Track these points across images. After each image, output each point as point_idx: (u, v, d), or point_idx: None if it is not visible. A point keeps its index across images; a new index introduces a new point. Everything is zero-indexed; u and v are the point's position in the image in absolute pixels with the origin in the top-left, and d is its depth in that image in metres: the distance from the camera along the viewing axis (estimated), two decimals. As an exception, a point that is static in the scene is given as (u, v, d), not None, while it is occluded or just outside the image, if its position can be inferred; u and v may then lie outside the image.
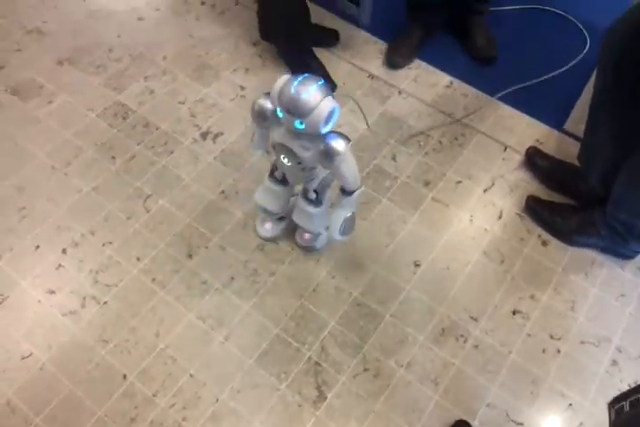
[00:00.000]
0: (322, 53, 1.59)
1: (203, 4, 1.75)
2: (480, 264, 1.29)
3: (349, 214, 1.05)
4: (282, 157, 0.98)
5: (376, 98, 1.55)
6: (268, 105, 0.93)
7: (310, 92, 0.83)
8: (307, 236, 1.27)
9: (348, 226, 1.08)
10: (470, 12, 1.62)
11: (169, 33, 1.68)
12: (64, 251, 1.27)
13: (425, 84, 1.57)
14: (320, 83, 0.84)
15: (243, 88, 1.56)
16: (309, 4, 1.48)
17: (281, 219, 1.30)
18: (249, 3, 1.73)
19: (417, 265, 1.29)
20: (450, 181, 1.41)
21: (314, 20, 1.55)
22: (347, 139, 0.91)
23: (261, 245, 1.30)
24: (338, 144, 0.90)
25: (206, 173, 1.41)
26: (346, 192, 1.00)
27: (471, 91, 1.56)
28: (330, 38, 1.62)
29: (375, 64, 1.61)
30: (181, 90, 1.56)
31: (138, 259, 1.27)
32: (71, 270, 1.25)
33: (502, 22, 1.68)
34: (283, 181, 1.13)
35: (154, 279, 1.24)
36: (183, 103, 1.53)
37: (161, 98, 1.54)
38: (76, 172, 1.39)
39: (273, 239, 1.30)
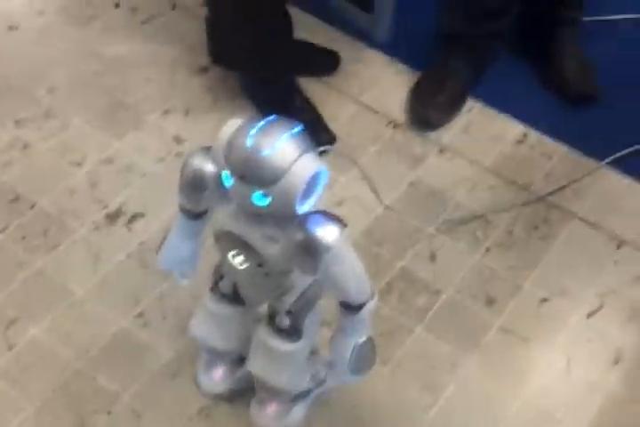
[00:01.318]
0: (312, 86, 1.71)
1: (116, 6, 1.90)
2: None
3: (362, 340, 1.08)
4: (231, 255, 1.02)
5: (402, 159, 1.65)
6: (208, 167, 0.98)
7: (277, 145, 0.87)
8: (271, 407, 1.28)
9: (364, 358, 1.10)
10: (555, 21, 1.76)
11: (59, 51, 1.79)
12: None
13: (482, 138, 1.68)
14: (295, 130, 0.89)
15: (179, 140, 1.66)
16: (292, 11, 1.62)
17: (242, 360, 1.29)
18: (193, 5, 1.89)
19: (478, 446, 1.32)
20: (529, 298, 1.47)
21: (301, 35, 1.68)
22: (339, 222, 0.95)
23: (206, 407, 1.31)
24: (326, 232, 0.94)
25: (113, 282, 1.44)
26: (350, 307, 1.04)
27: (559, 149, 1.67)
28: (325, 63, 1.76)
29: (399, 103, 1.73)
30: (76, 143, 1.64)
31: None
32: None
33: (604, 38, 1.84)
34: (234, 298, 1.16)
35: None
36: (79, 165, 1.61)
37: (41, 156, 1.61)
38: None
39: (226, 397, 1.32)
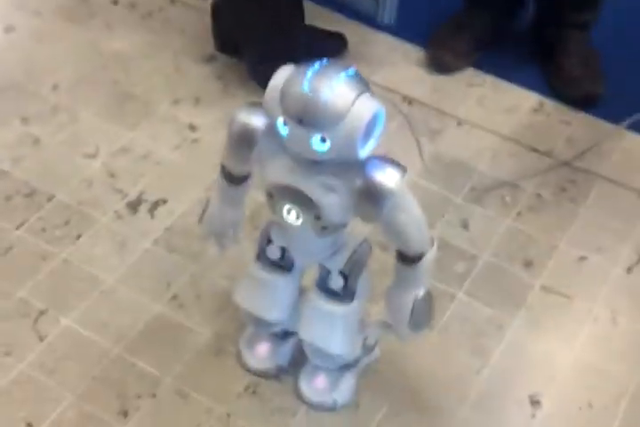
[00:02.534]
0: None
1: (115, 3, 1.92)
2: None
3: (422, 294, 1.08)
4: (285, 210, 1.02)
5: (421, 133, 1.66)
6: (256, 122, 0.98)
7: (335, 87, 0.87)
8: (320, 380, 1.29)
9: (424, 313, 1.10)
10: (561, 23, 1.80)
11: (60, 49, 1.80)
12: None
13: (498, 109, 1.72)
14: (350, 72, 0.90)
15: (193, 128, 1.67)
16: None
17: (285, 335, 1.32)
18: (194, -1, 1.92)
19: (535, 402, 1.31)
20: (566, 257, 1.50)
21: (306, 21, 1.72)
22: (399, 166, 0.96)
23: (252, 384, 1.31)
24: (387, 176, 0.94)
25: (142, 269, 1.44)
26: (408, 259, 1.04)
27: (576, 115, 1.73)
28: (332, 46, 1.78)
29: (412, 80, 1.77)
30: (88, 136, 1.64)
31: (28, 425, 1.25)
32: None
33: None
34: (283, 264, 1.16)
35: (60, 460, 1.23)
36: (93, 157, 1.61)
37: (53, 150, 1.61)
38: None
39: (273, 373, 1.32)
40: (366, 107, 0.88)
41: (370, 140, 0.91)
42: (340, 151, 0.90)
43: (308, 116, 0.87)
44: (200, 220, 1.17)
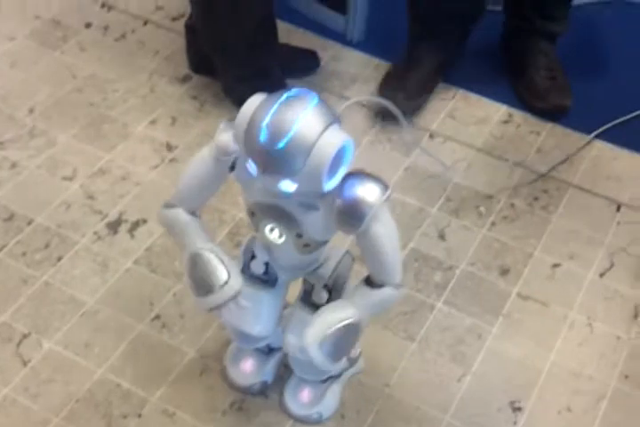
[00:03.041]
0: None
1: (87, 26, 1.93)
2: (622, 397, 1.36)
3: (351, 321, 1.01)
4: (268, 229, 1.03)
5: (395, 147, 1.70)
6: (233, 147, 0.96)
7: (295, 129, 0.84)
8: (305, 393, 1.30)
9: (344, 344, 1.04)
10: (530, 32, 1.82)
11: (34, 73, 1.82)
12: None
13: (469, 122, 1.75)
14: (312, 103, 0.87)
15: (170, 147, 1.68)
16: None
17: (270, 351, 1.33)
18: (163, 20, 1.94)
19: (516, 409, 1.33)
20: (541, 265, 1.52)
21: (281, 39, 1.74)
22: (380, 182, 0.95)
23: (238, 400, 1.32)
24: (367, 191, 0.93)
25: (124, 289, 1.45)
26: (374, 283, 1.02)
27: (545, 125, 1.76)
28: (306, 63, 1.82)
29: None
30: (65, 159, 1.66)
31: (13, 451, 1.26)
32: None
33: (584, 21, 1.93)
34: (267, 279, 1.16)
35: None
36: (71, 179, 1.62)
37: (30, 174, 1.63)
38: None
39: (258, 389, 1.33)
40: (330, 143, 0.85)
41: (338, 172, 0.90)
42: (307, 189, 0.89)
43: (270, 166, 0.87)
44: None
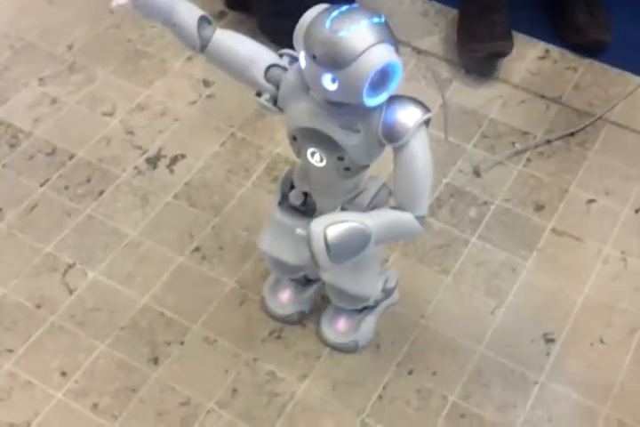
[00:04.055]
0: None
1: (124, -37, 1.94)
2: (654, 330, 1.38)
3: (359, 225, 0.97)
4: (309, 153, 1.04)
5: (430, 83, 1.69)
6: (283, 62, 1.00)
7: (354, 29, 0.87)
8: (341, 323, 1.33)
9: (346, 246, 0.98)
10: None
11: (72, 10, 1.82)
12: None
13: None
14: (375, 19, 0.89)
15: (207, 83, 1.69)
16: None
17: (308, 282, 1.36)
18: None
19: (549, 340, 1.35)
20: (576, 200, 1.53)
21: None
22: (422, 106, 0.97)
23: (277, 330, 1.35)
24: (407, 114, 0.95)
25: (165, 222, 1.48)
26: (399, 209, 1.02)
27: (582, 61, 1.74)
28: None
29: (420, 31, 1.78)
30: (105, 94, 1.67)
31: (62, 374, 1.30)
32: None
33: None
34: (305, 210, 1.17)
35: (95, 406, 1.27)
36: (111, 115, 1.64)
37: (70, 109, 1.65)
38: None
39: (295, 318, 1.36)
40: (379, 55, 0.87)
41: (382, 92, 0.92)
42: (347, 95, 0.91)
43: (321, 53, 0.88)
44: None
